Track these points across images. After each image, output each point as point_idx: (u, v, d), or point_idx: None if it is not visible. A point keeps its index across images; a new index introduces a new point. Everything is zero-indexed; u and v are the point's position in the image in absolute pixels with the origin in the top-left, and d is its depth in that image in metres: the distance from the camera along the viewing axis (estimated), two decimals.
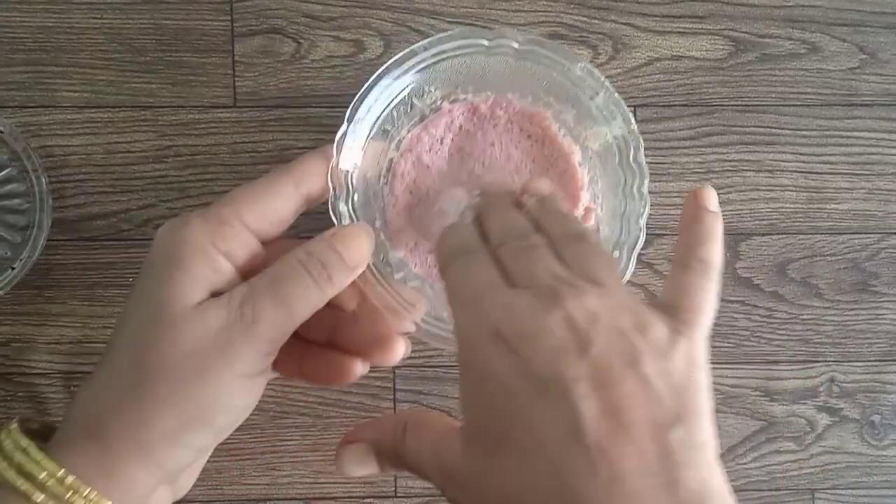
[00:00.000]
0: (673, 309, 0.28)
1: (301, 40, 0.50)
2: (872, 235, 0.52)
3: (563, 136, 0.46)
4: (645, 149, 0.43)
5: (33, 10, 0.49)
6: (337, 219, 0.40)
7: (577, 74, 0.43)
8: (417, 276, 0.46)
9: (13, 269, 0.47)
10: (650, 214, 0.44)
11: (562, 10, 0.51)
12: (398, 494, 0.51)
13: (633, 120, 0.43)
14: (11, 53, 0.49)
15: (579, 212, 0.47)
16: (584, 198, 0.47)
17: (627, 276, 0.43)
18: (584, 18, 0.50)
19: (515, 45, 0.42)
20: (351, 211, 0.41)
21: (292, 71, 0.50)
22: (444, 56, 0.42)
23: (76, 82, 0.49)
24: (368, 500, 0.51)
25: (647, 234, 0.51)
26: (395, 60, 0.41)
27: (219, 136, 0.50)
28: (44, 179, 0.47)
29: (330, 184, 0.39)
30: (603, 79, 0.43)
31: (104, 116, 0.49)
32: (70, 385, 0.49)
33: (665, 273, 0.51)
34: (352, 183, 0.41)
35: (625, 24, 0.51)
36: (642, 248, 0.51)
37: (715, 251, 0.31)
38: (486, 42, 0.42)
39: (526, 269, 0.28)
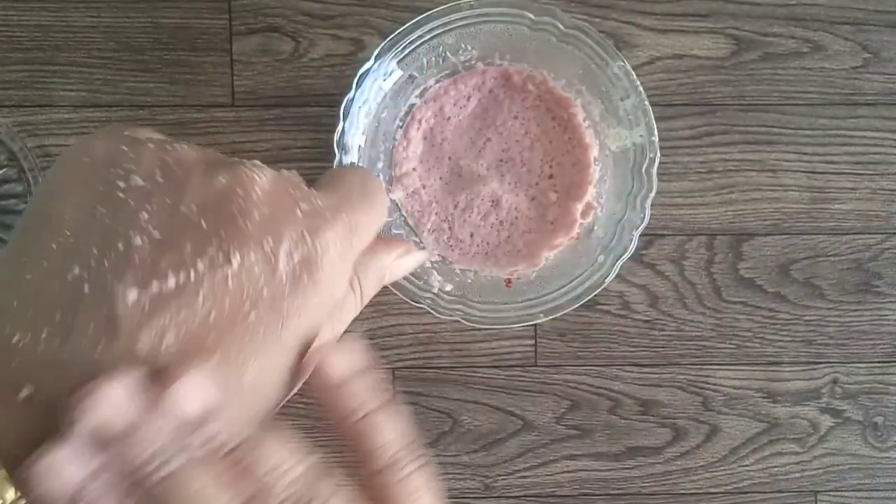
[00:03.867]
0: None
1: (300, 39, 0.49)
2: (876, 235, 0.52)
3: (587, 127, 0.47)
4: None
5: (30, 8, 0.48)
6: (341, 151, 0.42)
7: (613, 72, 0.43)
8: (405, 225, 0.47)
9: None
10: (651, 214, 0.44)
11: (563, 8, 0.50)
12: None
13: (656, 131, 0.43)
14: (8, 52, 0.48)
15: (581, 206, 0.47)
16: (590, 194, 0.47)
17: (608, 282, 0.44)
18: (585, 17, 0.50)
19: (561, 26, 0.43)
20: (358, 146, 0.43)
21: (291, 70, 0.49)
22: (488, 19, 0.43)
23: (73, 81, 0.49)
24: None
25: (647, 235, 0.51)
26: (439, 11, 0.42)
27: (217, 135, 0.49)
28: (41, 179, 0.47)
29: (341, 115, 0.41)
30: (638, 83, 0.43)
31: (101, 116, 0.49)
32: None
33: (666, 273, 0.51)
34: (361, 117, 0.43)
35: (626, 22, 0.50)
36: (643, 249, 0.51)
37: (389, 441, 0.22)
38: (531, 16, 0.43)
39: None
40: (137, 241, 0.20)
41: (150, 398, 0.19)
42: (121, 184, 0.21)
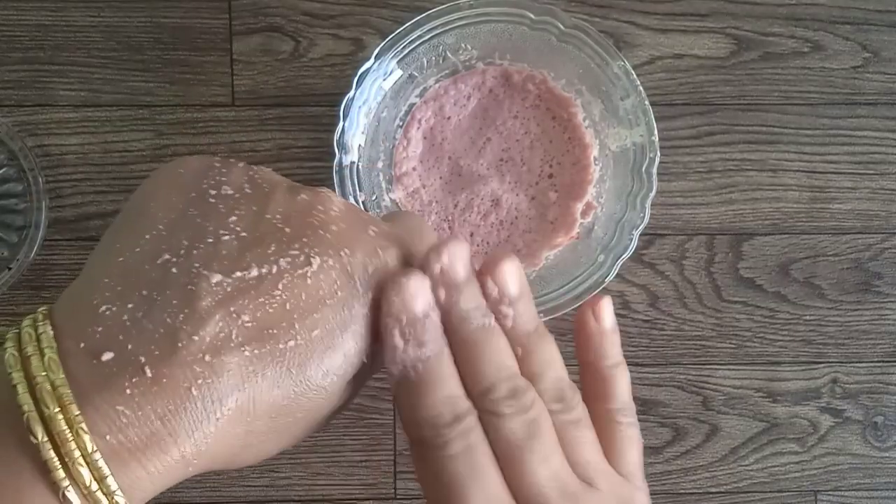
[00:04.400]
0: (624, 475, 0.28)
1: (300, 38, 0.49)
2: (876, 235, 0.52)
3: (587, 127, 0.47)
4: None
5: (30, 7, 0.48)
6: (341, 151, 0.42)
7: (613, 71, 0.43)
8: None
9: (10, 269, 0.47)
10: (651, 214, 0.44)
11: (563, 7, 0.50)
12: (398, 496, 0.51)
13: (656, 131, 0.43)
14: (8, 52, 0.48)
15: (581, 206, 0.47)
16: (590, 193, 0.47)
17: (608, 282, 0.44)
18: (585, 17, 0.50)
19: (561, 25, 0.43)
20: (358, 145, 0.43)
21: (291, 69, 0.49)
22: (488, 18, 0.43)
23: (73, 81, 0.49)
24: (368, 502, 0.51)
25: (647, 235, 0.51)
26: (439, 10, 0.42)
27: (217, 135, 0.49)
28: (41, 179, 0.47)
29: (341, 114, 0.41)
30: (638, 83, 0.43)
31: (101, 115, 0.49)
32: None
33: (666, 273, 0.51)
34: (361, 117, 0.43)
35: (626, 22, 0.50)
36: (643, 249, 0.51)
37: (624, 391, 0.28)
38: (532, 15, 0.43)
39: (538, 485, 0.24)
40: (225, 237, 0.23)
41: (481, 269, 0.25)
42: (212, 192, 0.23)
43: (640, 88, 0.43)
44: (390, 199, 0.47)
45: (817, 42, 0.51)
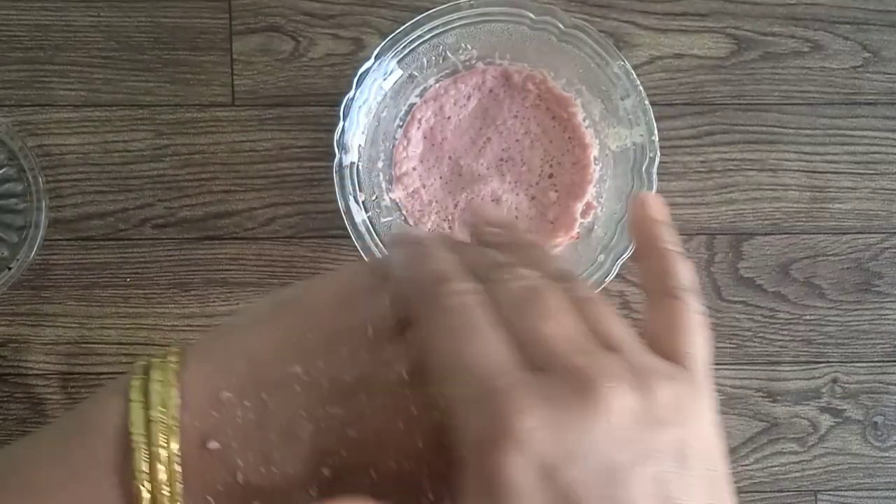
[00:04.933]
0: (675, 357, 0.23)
1: (300, 38, 0.49)
2: (876, 235, 0.52)
3: (587, 127, 0.47)
4: None
5: (30, 7, 0.48)
6: (341, 150, 0.42)
7: (613, 71, 0.43)
8: (405, 225, 0.47)
9: (10, 269, 0.47)
10: None
11: (563, 7, 0.50)
12: None
13: (656, 131, 0.43)
14: (8, 51, 0.48)
15: (581, 206, 0.47)
16: (590, 193, 0.47)
17: (608, 282, 0.44)
18: (585, 17, 0.50)
19: (561, 25, 0.43)
20: (358, 145, 0.43)
21: (291, 69, 0.49)
22: (488, 18, 0.43)
23: (73, 81, 0.49)
24: None
25: None
26: (439, 10, 0.42)
27: (217, 134, 0.49)
28: (41, 179, 0.47)
29: (341, 114, 0.41)
30: (638, 83, 0.43)
31: (101, 115, 0.49)
32: (68, 386, 0.49)
33: None
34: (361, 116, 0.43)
35: (626, 21, 0.50)
36: None
37: (684, 273, 0.24)
38: (532, 15, 0.43)
39: (544, 338, 0.21)
40: (348, 379, 0.22)
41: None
42: (370, 328, 0.22)
43: (640, 88, 0.43)
44: (390, 198, 0.47)
45: (817, 42, 0.51)
